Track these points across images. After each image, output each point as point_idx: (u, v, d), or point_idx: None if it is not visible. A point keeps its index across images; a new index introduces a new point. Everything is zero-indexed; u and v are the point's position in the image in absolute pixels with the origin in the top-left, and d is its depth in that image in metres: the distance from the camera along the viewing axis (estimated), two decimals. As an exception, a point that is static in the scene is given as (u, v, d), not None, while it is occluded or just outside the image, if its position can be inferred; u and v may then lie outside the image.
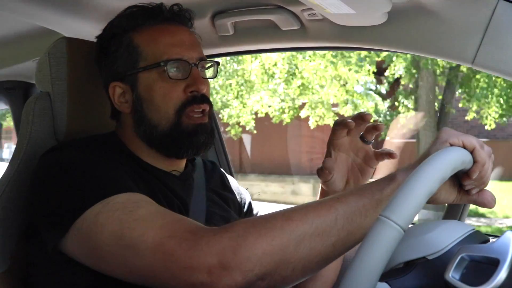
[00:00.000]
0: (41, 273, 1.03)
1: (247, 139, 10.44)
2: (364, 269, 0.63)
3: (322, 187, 1.17)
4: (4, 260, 1.12)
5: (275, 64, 8.42)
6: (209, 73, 1.21)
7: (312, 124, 8.69)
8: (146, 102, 1.12)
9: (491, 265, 0.64)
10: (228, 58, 7.89)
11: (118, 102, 1.16)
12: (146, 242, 0.84)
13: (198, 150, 1.15)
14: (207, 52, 1.19)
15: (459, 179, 0.87)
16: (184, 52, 1.13)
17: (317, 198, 1.16)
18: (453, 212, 0.96)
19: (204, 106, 1.13)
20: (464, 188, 0.88)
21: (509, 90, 7.77)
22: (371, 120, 1.11)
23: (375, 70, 8.36)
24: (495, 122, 8.05)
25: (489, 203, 0.90)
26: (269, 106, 8.86)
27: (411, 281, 0.75)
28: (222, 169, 1.40)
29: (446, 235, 0.79)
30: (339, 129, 1.10)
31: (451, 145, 0.82)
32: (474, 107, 8.08)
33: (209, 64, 1.20)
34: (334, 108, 8.86)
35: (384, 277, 0.74)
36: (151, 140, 1.13)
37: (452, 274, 0.68)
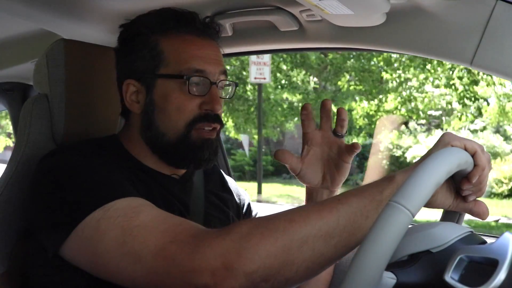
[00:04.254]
0: (40, 276, 1.02)
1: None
2: (374, 252, 0.62)
3: (306, 186, 1.19)
4: (2, 262, 1.12)
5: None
6: (226, 92, 1.20)
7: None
8: (158, 108, 1.11)
9: (490, 266, 0.64)
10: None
11: (129, 100, 1.15)
12: (148, 249, 0.84)
13: (200, 165, 1.15)
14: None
15: (458, 184, 0.87)
16: (207, 67, 1.11)
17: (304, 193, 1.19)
18: (450, 220, 0.96)
19: (215, 125, 1.13)
20: (461, 193, 0.89)
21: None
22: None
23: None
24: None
25: (484, 214, 0.91)
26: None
27: (415, 272, 0.76)
28: (221, 170, 1.40)
29: (449, 231, 0.80)
30: (304, 118, 1.13)
31: (453, 147, 0.83)
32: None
33: (228, 83, 1.19)
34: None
35: (389, 268, 0.74)
36: (155, 146, 1.13)
37: (451, 275, 0.68)
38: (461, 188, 0.87)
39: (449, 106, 11.35)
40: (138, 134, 1.15)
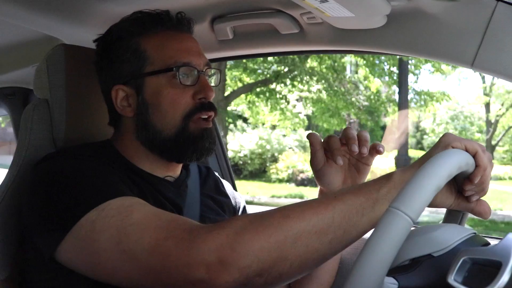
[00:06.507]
0: (38, 280, 1.02)
1: None
2: (374, 259, 0.62)
3: (320, 188, 1.19)
4: (4, 267, 1.11)
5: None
6: (213, 80, 1.22)
7: None
8: (152, 107, 1.12)
9: (494, 268, 0.64)
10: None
11: (120, 106, 1.15)
12: (143, 246, 0.84)
13: (202, 155, 1.16)
14: (206, 56, 1.19)
15: (459, 185, 0.87)
16: (192, 58, 1.14)
17: None
18: (452, 220, 0.96)
19: (211, 113, 1.14)
20: (464, 194, 0.89)
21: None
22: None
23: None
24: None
25: (486, 213, 0.90)
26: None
27: (417, 277, 0.75)
28: (216, 174, 1.41)
29: (451, 234, 0.80)
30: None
31: (454, 148, 0.82)
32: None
33: (213, 72, 1.21)
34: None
35: (391, 273, 0.74)
36: (154, 145, 1.13)
37: (455, 277, 0.67)
38: (463, 189, 0.87)
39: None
40: (132, 138, 1.15)
